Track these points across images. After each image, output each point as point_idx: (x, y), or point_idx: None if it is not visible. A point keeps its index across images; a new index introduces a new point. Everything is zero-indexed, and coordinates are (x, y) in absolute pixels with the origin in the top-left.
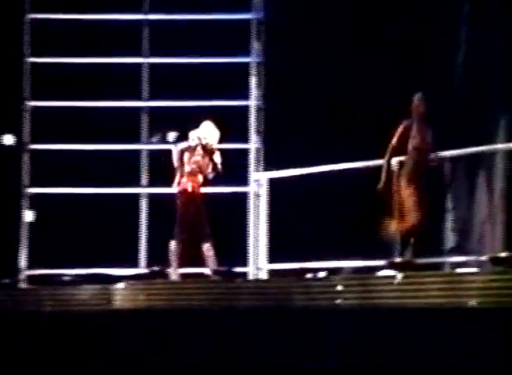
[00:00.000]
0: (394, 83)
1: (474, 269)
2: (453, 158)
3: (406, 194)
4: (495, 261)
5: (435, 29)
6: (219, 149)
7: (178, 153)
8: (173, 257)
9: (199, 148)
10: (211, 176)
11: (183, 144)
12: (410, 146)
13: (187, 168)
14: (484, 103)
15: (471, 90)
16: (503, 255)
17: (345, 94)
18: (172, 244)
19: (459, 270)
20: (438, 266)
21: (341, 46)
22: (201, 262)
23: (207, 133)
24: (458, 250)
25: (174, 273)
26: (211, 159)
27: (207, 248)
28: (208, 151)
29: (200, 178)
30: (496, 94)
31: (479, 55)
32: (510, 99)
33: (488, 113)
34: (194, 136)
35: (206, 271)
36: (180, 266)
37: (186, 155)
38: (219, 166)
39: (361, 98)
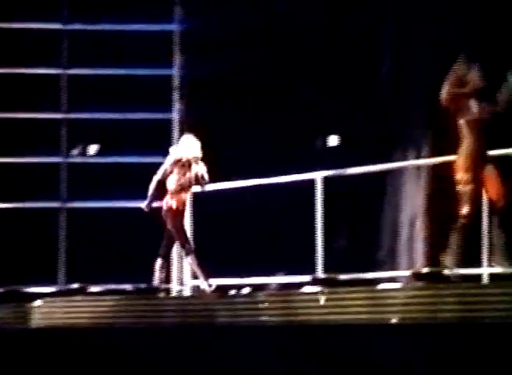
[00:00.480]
0: (320, 92)
1: (396, 285)
2: (378, 173)
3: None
4: (417, 276)
5: (359, 41)
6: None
7: (154, 185)
8: (157, 272)
9: (180, 166)
10: (205, 187)
11: (158, 175)
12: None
13: (172, 186)
14: (407, 117)
15: (396, 104)
16: (425, 270)
17: (271, 104)
18: (158, 261)
19: (382, 286)
20: (363, 282)
21: (266, 55)
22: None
23: (189, 147)
24: (385, 265)
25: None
26: (197, 171)
27: (189, 262)
28: (189, 164)
29: (184, 196)
30: (420, 110)
31: (404, 68)
32: (433, 114)
33: (411, 128)
34: (178, 154)
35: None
36: (163, 282)
37: (174, 173)
38: (206, 176)
39: (289, 107)
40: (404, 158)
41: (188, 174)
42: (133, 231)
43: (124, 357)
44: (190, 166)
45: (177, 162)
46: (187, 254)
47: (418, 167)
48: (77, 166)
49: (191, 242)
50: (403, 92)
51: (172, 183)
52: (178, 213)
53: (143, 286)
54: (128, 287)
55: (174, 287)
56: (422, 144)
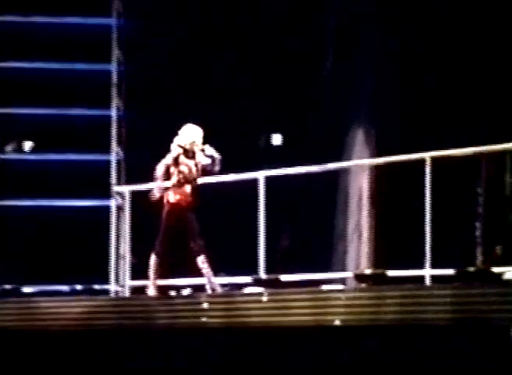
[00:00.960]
0: (263, 91)
1: (339, 287)
2: (322, 173)
3: None
4: (360, 278)
5: (300, 43)
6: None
7: (163, 168)
8: (152, 270)
9: (183, 156)
10: (217, 169)
11: (167, 159)
12: None
13: (174, 179)
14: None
15: (339, 103)
16: (368, 271)
17: (213, 102)
18: (152, 258)
19: (324, 287)
20: (306, 283)
21: (207, 52)
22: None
23: (188, 136)
24: (327, 266)
25: (152, 287)
26: (202, 158)
27: (202, 261)
28: (193, 153)
29: (188, 188)
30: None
31: (346, 68)
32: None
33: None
34: (175, 145)
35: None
36: (158, 279)
37: (173, 168)
38: (216, 155)
39: (230, 105)
40: (349, 158)
41: (192, 164)
42: (68, 231)
43: (57, 360)
44: (194, 155)
45: (180, 151)
46: (197, 253)
47: (362, 167)
48: (11, 163)
49: (200, 240)
50: (346, 91)
51: (174, 176)
52: (182, 208)
53: (79, 287)
54: (64, 288)
55: (112, 288)
56: (367, 144)
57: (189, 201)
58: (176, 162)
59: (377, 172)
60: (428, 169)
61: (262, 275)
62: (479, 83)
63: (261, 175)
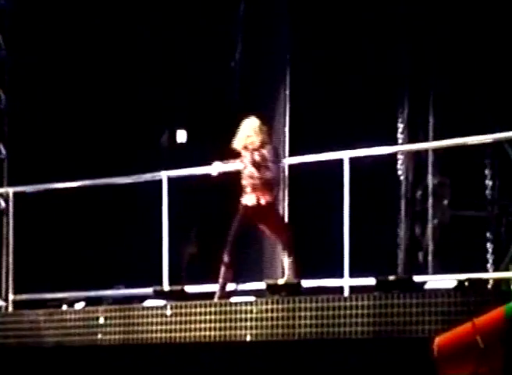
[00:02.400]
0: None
1: (250, 298)
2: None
3: None
4: (272, 289)
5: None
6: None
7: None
8: (220, 280)
9: (248, 157)
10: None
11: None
12: None
13: (244, 182)
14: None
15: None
16: (281, 282)
17: (102, 96)
18: (222, 270)
19: (233, 300)
20: (212, 295)
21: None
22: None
23: (239, 134)
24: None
25: (219, 293)
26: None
27: (288, 261)
28: (255, 150)
29: (262, 195)
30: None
31: (253, 57)
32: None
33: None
34: (236, 146)
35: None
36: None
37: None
38: (279, 152)
39: (131, 99)
40: None
41: (249, 167)
42: None
43: None
44: (253, 158)
45: (241, 157)
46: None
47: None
48: None
49: (228, 256)
50: (258, 85)
51: (245, 180)
52: (247, 214)
53: None
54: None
55: None
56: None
57: (267, 200)
58: (243, 163)
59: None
60: (346, 170)
61: (165, 286)
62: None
63: (164, 175)
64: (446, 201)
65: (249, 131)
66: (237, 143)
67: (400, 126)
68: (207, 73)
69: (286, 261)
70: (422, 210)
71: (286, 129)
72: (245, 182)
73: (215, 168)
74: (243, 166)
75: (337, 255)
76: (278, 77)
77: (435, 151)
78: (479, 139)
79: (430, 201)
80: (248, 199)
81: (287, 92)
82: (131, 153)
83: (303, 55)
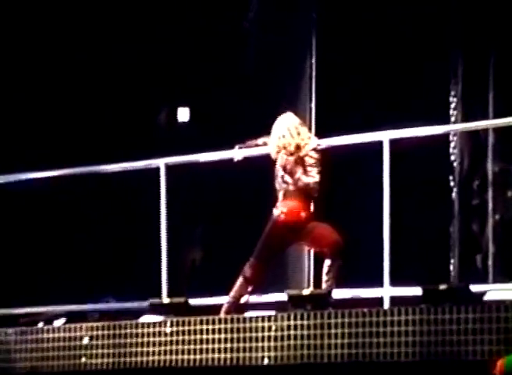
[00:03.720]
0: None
1: (267, 313)
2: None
3: None
4: (296, 300)
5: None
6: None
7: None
8: (235, 289)
9: (281, 160)
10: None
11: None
12: None
13: (277, 186)
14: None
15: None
16: (306, 292)
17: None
18: (239, 280)
19: (248, 314)
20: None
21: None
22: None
23: (276, 133)
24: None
25: (227, 305)
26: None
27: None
28: (295, 155)
29: (297, 204)
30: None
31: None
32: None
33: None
34: (270, 148)
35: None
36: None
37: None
38: (314, 173)
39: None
40: None
41: (280, 171)
42: None
43: None
44: (286, 163)
45: (275, 160)
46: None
47: None
48: None
49: (252, 271)
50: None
51: (278, 187)
52: (280, 228)
53: None
54: None
55: None
56: None
57: (302, 215)
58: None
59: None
60: (386, 154)
61: (164, 298)
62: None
63: (161, 162)
64: (510, 193)
65: (283, 131)
66: (271, 146)
67: (453, 100)
68: (213, 37)
69: (326, 266)
70: (481, 203)
71: (313, 105)
72: (278, 186)
73: (239, 153)
74: (277, 167)
75: (376, 258)
76: (301, 41)
77: (496, 130)
78: None
79: (490, 192)
80: (280, 210)
81: (313, 60)
82: (121, 136)
83: (332, 12)
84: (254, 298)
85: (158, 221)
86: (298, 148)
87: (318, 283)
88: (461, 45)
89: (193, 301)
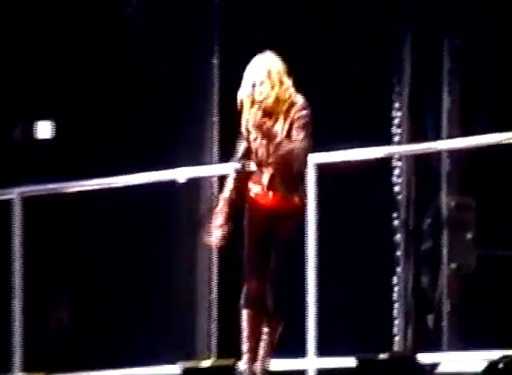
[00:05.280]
0: None
1: None
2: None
3: None
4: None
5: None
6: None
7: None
8: (244, 330)
9: (252, 119)
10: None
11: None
12: None
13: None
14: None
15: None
16: (206, 364)
17: None
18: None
19: None
20: None
21: None
22: None
23: (252, 77)
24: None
25: (246, 358)
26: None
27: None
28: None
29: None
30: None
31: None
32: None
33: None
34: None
35: None
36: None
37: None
38: (300, 134)
39: None
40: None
41: (254, 136)
42: None
43: None
44: (261, 125)
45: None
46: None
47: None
48: None
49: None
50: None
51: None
52: (266, 211)
53: None
54: None
55: None
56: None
57: (272, 201)
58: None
59: None
60: (311, 184)
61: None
62: None
63: (15, 193)
64: (469, 235)
65: (260, 76)
66: (240, 96)
67: (397, 115)
68: (88, 26)
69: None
70: (433, 248)
71: (215, 119)
72: (254, 159)
73: (182, 174)
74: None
75: (298, 321)
76: (201, 35)
77: (453, 154)
78: None
79: (445, 234)
80: (260, 184)
81: (214, 61)
82: None
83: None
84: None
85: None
86: (278, 102)
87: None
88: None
89: None
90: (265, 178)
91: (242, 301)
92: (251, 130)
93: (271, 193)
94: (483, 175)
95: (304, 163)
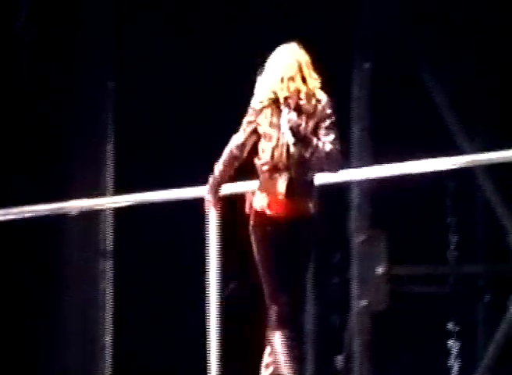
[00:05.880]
0: None
1: None
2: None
3: None
4: None
5: None
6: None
7: (229, 154)
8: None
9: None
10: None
11: (238, 135)
12: None
13: (259, 166)
14: None
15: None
16: None
17: None
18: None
19: None
20: None
21: None
22: None
23: (283, 70)
24: None
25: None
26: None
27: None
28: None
29: (282, 185)
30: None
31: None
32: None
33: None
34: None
35: None
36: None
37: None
38: (330, 137)
39: None
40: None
41: (278, 137)
42: None
43: None
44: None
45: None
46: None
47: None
48: None
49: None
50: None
51: (258, 161)
52: (278, 221)
53: None
54: None
55: None
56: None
57: (290, 208)
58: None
59: None
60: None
61: None
62: None
63: None
64: (380, 269)
65: (291, 69)
66: (264, 92)
67: None
68: None
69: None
70: (341, 284)
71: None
72: (262, 159)
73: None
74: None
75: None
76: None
77: (361, 184)
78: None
79: (354, 269)
80: (272, 192)
81: (111, 83)
82: None
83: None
84: None
85: None
86: (309, 99)
87: None
88: None
89: None
90: (282, 185)
91: (274, 322)
92: (284, 130)
93: (287, 200)
94: (394, 206)
95: (341, 166)
